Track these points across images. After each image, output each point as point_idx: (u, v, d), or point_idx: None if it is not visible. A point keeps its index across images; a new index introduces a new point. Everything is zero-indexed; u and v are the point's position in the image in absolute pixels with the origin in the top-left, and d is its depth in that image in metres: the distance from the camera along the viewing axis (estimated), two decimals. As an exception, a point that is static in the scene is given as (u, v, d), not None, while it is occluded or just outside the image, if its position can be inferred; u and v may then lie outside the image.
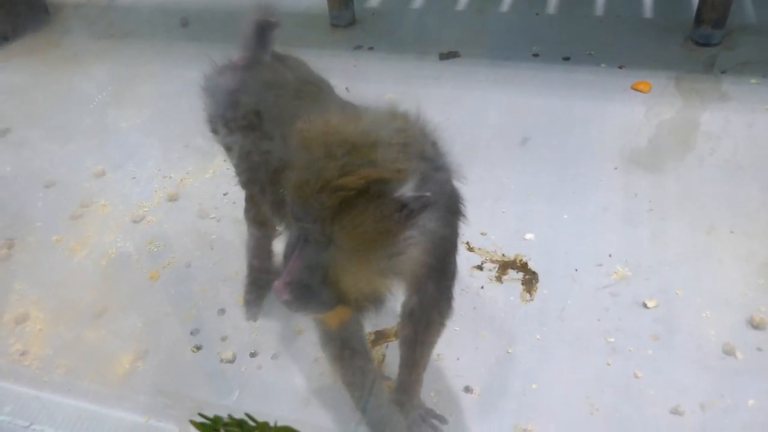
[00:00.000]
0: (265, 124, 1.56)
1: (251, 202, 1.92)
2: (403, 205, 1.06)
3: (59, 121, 3.16)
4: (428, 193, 1.06)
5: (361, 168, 1.04)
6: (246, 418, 0.84)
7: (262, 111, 1.57)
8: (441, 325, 1.56)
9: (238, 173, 1.83)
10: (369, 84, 3.16)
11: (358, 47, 3.50)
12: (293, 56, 1.75)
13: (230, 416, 0.84)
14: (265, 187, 1.58)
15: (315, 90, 1.64)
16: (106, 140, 3.00)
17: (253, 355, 1.97)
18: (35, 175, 2.80)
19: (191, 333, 2.05)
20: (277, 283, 1.14)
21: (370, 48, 3.49)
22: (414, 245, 1.14)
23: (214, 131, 1.74)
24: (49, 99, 3.36)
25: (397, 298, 1.52)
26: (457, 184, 1.27)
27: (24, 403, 1.82)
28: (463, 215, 1.33)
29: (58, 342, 2.06)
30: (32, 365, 1.99)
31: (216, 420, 0.83)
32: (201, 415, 0.84)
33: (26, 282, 2.29)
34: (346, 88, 1.69)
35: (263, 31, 1.62)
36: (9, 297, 2.23)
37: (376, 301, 1.22)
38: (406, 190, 1.05)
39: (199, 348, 2.01)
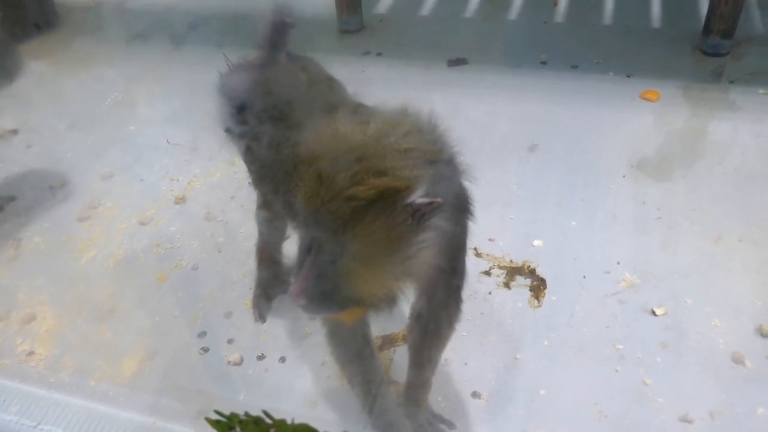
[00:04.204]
0: (279, 122, 1.56)
1: (263, 202, 1.92)
2: (414, 211, 1.07)
3: (68, 123, 3.17)
4: (439, 198, 1.07)
5: (372, 177, 1.04)
6: (262, 416, 0.84)
7: (276, 110, 1.58)
8: (450, 327, 1.55)
9: (251, 172, 1.83)
10: (377, 90, 3.16)
11: (367, 53, 3.51)
12: (307, 56, 1.76)
13: (247, 413, 0.83)
14: (278, 187, 1.59)
15: (328, 90, 1.65)
16: (114, 142, 3.01)
17: (260, 357, 1.96)
18: (43, 175, 2.81)
19: (198, 335, 2.05)
20: (293, 288, 1.16)
21: (379, 54, 3.50)
22: (426, 248, 1.14)
23: (227, 130, 1.74)
24: (58, 100, 3.37)
25: (406, 301, 1.52)
26: (466, 183, 1.27)
27: (31, 402, 1.81)
28: (472, 214, 1.33)
29: (65, 342, 2.06)
30: (39, 365, 1.99)
31: (232, 417, 0.82)
32: (216, 412, 0.83)
33: (34, 282, 2.29)
34: (354, 94, 1.72)
35: (279, 31, 1.64)
36: (16, 297, 2.23)
37: (390, 302, 1.22)
38: (417, 196, 1.06)
39: (206, 350, 2.00)
